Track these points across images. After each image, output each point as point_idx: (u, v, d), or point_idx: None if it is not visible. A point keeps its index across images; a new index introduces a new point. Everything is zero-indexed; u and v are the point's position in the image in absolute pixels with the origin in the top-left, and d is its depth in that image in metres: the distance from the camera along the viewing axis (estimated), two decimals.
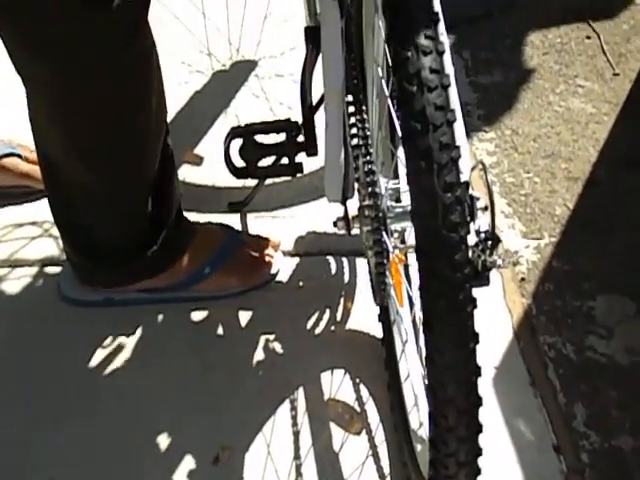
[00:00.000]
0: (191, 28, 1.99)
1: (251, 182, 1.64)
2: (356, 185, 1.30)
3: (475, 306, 0.93)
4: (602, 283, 1.59)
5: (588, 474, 1.36)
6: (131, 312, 1.54)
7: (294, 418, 1.41)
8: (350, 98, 1.25)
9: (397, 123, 0.92)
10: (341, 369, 1.46)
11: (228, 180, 1.59)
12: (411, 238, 0.94)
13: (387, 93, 1.04)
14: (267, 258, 1.58)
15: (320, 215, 1.66)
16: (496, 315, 1.54)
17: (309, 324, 1.53)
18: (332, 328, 1.52)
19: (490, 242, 0.95)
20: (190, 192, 1.70)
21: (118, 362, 1.48)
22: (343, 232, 1.40)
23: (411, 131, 0.88)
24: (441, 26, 0.92)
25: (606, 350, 1.50)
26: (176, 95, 1.90)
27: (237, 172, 1.54)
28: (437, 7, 0.94)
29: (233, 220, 1.66)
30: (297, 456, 1.37)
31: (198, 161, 1.80)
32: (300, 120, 1.48)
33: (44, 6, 1.11)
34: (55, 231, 1.50)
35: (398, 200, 1.22)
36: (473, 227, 0.95)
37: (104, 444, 1.39)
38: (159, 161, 1.39)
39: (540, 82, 1.98)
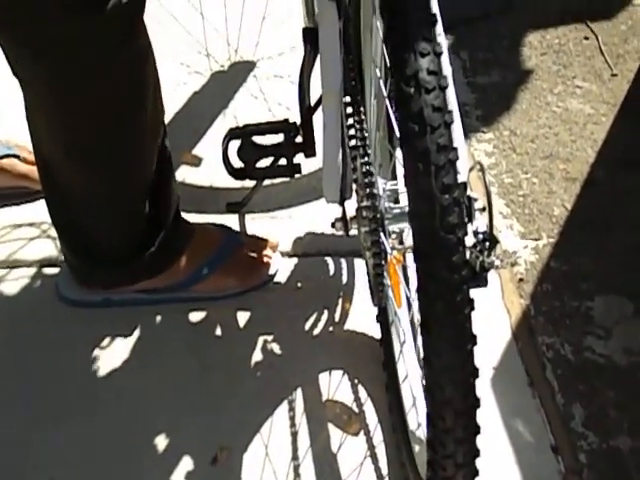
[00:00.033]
0: (189, 29, 1.99)
1: (249, 183, 1.64)
2: (354, 186, 1.30)
3: (473, 307, 0.93)
4: (600, 283, 1.60)
5: (586, 474, 1.36)
6: (129, 313, 1.54)
7: (292, 419, 1.41)
8: (348, 99, 1.25)
9: (395, 124, 0.93)
10: (339, 370, 1.46)
11: (226, 181, 1.59)
12: (409, 239, 0.94)
13: (385, 94, 1.04)
14: (265, 259, 1.58)
15: (318, 216, 1.66)
16: (494, 315, 1.54)
17: (307, 325, 1.53)
18: (330, 329, 1.52)
19: (488, 243, 0.95)
20: (188, 193, 1.70)
21: (116, 362, 1.48)
22: (341, 233, 1.40)
23: (409, 132, 0.88)
24: (439, 27, 0.92)
25: (604, 350, 1.50)
26: (175, 96, 1.90)
27: (235, 173, 1.54)
28: (435, 8, 0.94)
29: (231, 221, 1.66)
30: (295, 457, 1.37)
31: (197, 162, 1.80)
32: (298, 121, 1.48)
33: (44, 6, 1.11)
34: (53, 232, 1.50)
35: (396, 201, 1.22)
36: (471, 228, 0.95)
37: (104, 444, 1.39)
38: (157, 163, 1.39)
39: (538, 83, 1.98)
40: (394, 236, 1.17)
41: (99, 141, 1.30)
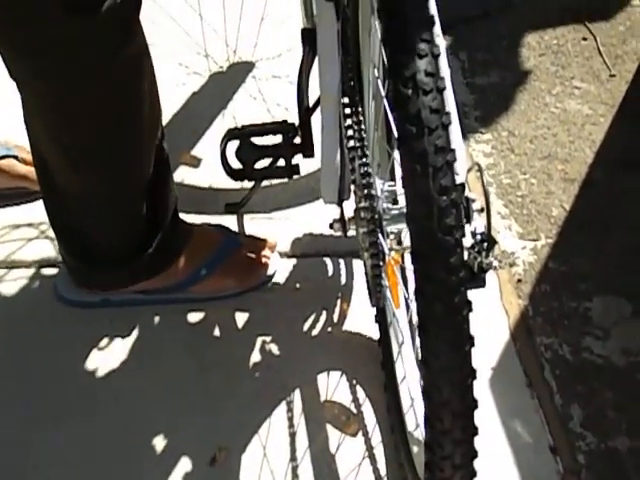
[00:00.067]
0: (188, 30, 2.00)
1: (248, 184, 1.64)
2: (352, 187, 1.30)
3: (470, 309, 0.93)
4: (598, 284, 1.60)
5: (584, 475, 1.36)
6: (128, 313, 1.54)
7: (291, 419, 1.41)
8: (346, 100, 1.25)
9: (393, 125, 0.93)
10: (338, 370, 1.46)
11: (225, 181, 1.59)
12: (408, 240, 0.94)
13: (383, 94, 1.04)
14: (264, 259, 1.58)
15: (317, 217, 1.66)
16: (492, 316, 1.54)
17: (306, 325, 1.53)
18: (329, 329, 1.52)
19: (486, 244, 0.95)
20: (187, 193, 1.70)
21: (115, 363, 1.48)
22: (339, 234, 1.40)
23: (406, 134, 0.88)
24: (437, 28, 0.92)
25: (602, 351, 1.51)
26: (174, 97, 1.90)
27: (234, 174, 1.54)
28: (433, 9, 0.94)
29: (230, 221, 1.66)
30: (294, 457, 1.37)
31: (195, 162, 1.80)
32: (297, 122, 1.48)
33: (44, 6, 1.11)
34: (52, 233, 1.50)
35: (395, 201, 1.22)
36: (469, 229, 0.95)
37: (103, 444, 1.39)
38: (155, 164, 1.39)
39: (537, 83, 1.98)
40: (392, 237, 1.17)
41: (99, 141, 1.30)
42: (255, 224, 1.68)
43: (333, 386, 1.45)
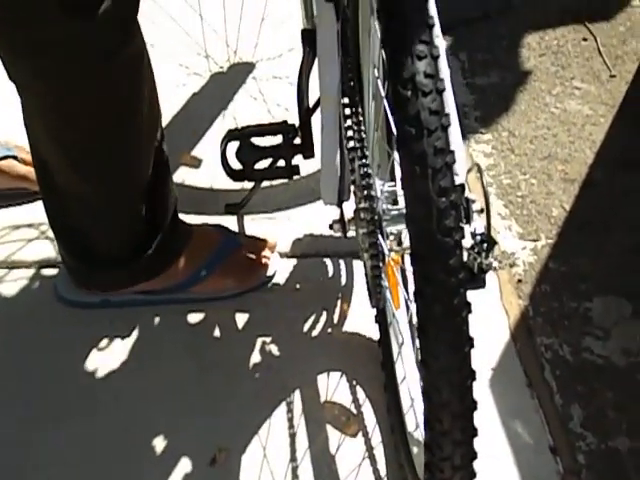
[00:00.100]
0: (188, 30, 1.99)
1: (248, 184, 1.64)
2: (352, 188, 1.30)
3: (470, 310, 0.93)
4: (599, 284, 1.60)
5: (585, 475, 1.36)
6: (128, 314, 1.54)
7: (291, 420, 1.41)
8: (346, 100, 1.25)
9: (393, 125, 0.93)
10: (338, 371, 1.46)
11: (225, 182, 1.59)
12: (407, 240, 0.94)
13: (383, 94, 1.04)
14: (264, 260, 1.58)
15: (317, 217, 1.66)
16: (493, 316, 1.55)
17: (306, 326, 1.53)
18: (329, 330, 1.52)
19: (486, 244, 0.96)
20: (187, 194, 1.70)
21: (115, 363, 1.49)
22: (339, 234, 1.40)
23: (405, 136, 0.88)
24: (436, 30, 0.92)
25: (603, 351, 1.51)
26: (174, 97, 1.90)
27: (234, 174, 1.54)
28: (432, 10, 0.94)
29: (230, 222, 1.66)
30: (293, 458, 1.37)
31: (196, 163, 1.80)
32: (297, 122, 1.48)
33: (44, 6, 1.11)
34: (52, 233, 1.50)
35: (395, 202, 1.22)
36: (469, 229, 0.95)
37: (103, 445, 1.39)
38: (154, 165, 1.39)
39: (537, 84, 1.98)
40: (392, 238, 1.17)
41: (99, 141, 1.30)
42: (255, 225, 1.68)
43: (333, 387, 1.45)
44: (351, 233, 1.38)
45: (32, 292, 1.58)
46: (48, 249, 1.62)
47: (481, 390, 1.42)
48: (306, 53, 1.43)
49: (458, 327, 0.93)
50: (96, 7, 1.14)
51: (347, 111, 1.23)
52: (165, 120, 1.42)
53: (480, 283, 0.96)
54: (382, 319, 1.42)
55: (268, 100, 1.91)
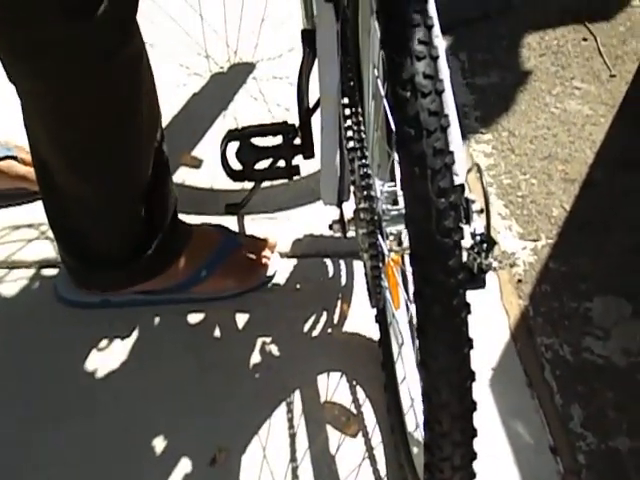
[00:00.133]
0: (189, 31, 1.99)
1: (249, 184, 1.64)
2: (352, 188, 1.30)
3: (469, 311, 0.93)
4: (599, 284, 1.60)
5: (585, 475, 1.36)
6: (128, 314, 1.54)
7: (291, 420, 1.41)
8: (346, 101, 1.25)
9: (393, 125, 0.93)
10: (338, 371, 1.47)
11: (225, 182, 1.59)
12: (407, 241, 0.94)
13: (383, 93, 1.04)
14: (264, 260, 1.58)
15: (317, 217, 1.66)
16: (493, 316, 1.54)
17: (306, 326, 1.53)
18: (329, 330, 1.52)
19: (486, 245, 0.96)
20: (188, 194, 1.70)
21: (115, 364, 1.49)
22: (339, 235, 1.40)
23: (405, 136, 0.88)
24: (435, 30, 0.92)
25: (603, 351, 1.51)
26: (174, 97, 1.90)
27: (234, 175, 1.54)
28: (432, 11, 0.94)
29: (230, 222, 1.66)
30: (293, 458, 1.37)
31: (196, 163, 1.80)
32: (297, 123, 1.48)
33: (43, 7, 1.11)
34: (51, 233, 1.50)
35: (395, 202, 1.22)
36: (469, 230, 0.95)
37: (103, 445, 1.39)
38: (154, 165, 1.39)
39: (537, 84, 1.98)
40: (392, 238, 1.17)
41: (99, 141, 1.30)
42: (255, 225, 1.68)
43: (333, 387, 1.45)
44: (351, 233, 1.38)
45: (32, 292, 1.58)
46: (48, 249, 1.63)
47: (481, 390, 1.42)
48: (306, 53, 1.43)
49: (457, 328, 0.93)
50: (96, 7, 1.14)
51: (347, 111, 1.23)
52: (165, 120, 1.42)
53: (480, 283, 0.96)
54: (383, 317, 1.42)
55: (268, 100, 1.91)
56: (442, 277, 0.90)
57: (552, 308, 1.56)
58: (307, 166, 1.57)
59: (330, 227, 1.40)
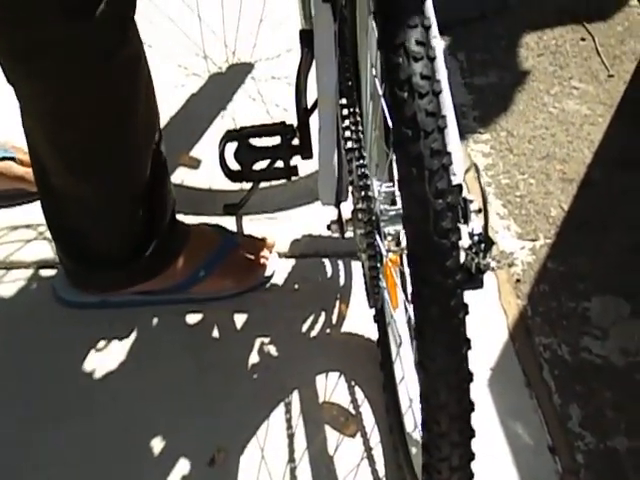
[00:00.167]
0: (187, 31, 2.00)
1: (247, 185, 1.64)
2: (350, 188, 1.30)
3: (467, 312, 0.93)
4: (597, 284, 1.60)
5: (583, 475, 1.36)
6: (126, 314, 1.54)
7: (289, 420, 1.41)
8: (344, 101, 1.25)
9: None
10: (336, 371, 1.47)
11: (224, 183, 1.59)
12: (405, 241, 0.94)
13: (380, 92, 1.04)
14: (262, 260, 1.58)
15: (315, 218, 1.66)
16: (491, 316, 1.55)
17: (304, 326, 1.53)
18: (327, 330, 1.52)
19: (483, 245, 0.96)
20: (186, 194, 1.70)
21: (114, 364, 1.49)
22: (337, 235, 1.40)
23: (402, 137, 0.88)
24: (433, 31, 0.92)
25: (601, 351, 1.51)
26: (172, 98, 1.90)
27: (232, 175, 1.54)
28: (429, 12, 0.94)
29: (228, 222, 1.66)
30: (292, 458, 1.37)
31: (195, 164, 1.80)
32: (295, 123, 1.48)
33: (43, 7, 1.11)
34: (50, 234, 1.51)
35: (393, 202, 1.22)
36: (467, 230, 0.95)
37: (103, 445, 1.39)
38: (152, 166, 1.39)
39: (535, 84, 1.98)
40: (390, 238, 1.17)
41: (98, 142, 1.30)
42: (254, 225, 1.68)
43: (332, 387, 1.45)
44: (349, 234, 1.38)
45: (31, 293, 1.58)
46: (46, 250, 1.63)
47: (480, 390, 1.42)
48: (304, 54, 1.43)
49: (455, 329, 0.93)
50: (95, 7, 1.14)
51: (345, 111, 1.23)
52: (164, 121, 1.42)
53: (478, 283, 0.96)
54: (380, 319, 1.42)
55: (266, 101, 1.91)
56: (440, 278, 0.90)
57: (550, 308, 1.57)
58: (305, 166, 1.57)
59: (328, 227, 1.40)
